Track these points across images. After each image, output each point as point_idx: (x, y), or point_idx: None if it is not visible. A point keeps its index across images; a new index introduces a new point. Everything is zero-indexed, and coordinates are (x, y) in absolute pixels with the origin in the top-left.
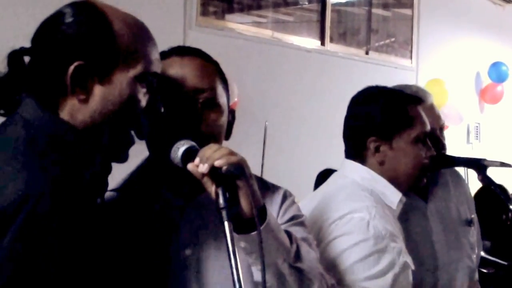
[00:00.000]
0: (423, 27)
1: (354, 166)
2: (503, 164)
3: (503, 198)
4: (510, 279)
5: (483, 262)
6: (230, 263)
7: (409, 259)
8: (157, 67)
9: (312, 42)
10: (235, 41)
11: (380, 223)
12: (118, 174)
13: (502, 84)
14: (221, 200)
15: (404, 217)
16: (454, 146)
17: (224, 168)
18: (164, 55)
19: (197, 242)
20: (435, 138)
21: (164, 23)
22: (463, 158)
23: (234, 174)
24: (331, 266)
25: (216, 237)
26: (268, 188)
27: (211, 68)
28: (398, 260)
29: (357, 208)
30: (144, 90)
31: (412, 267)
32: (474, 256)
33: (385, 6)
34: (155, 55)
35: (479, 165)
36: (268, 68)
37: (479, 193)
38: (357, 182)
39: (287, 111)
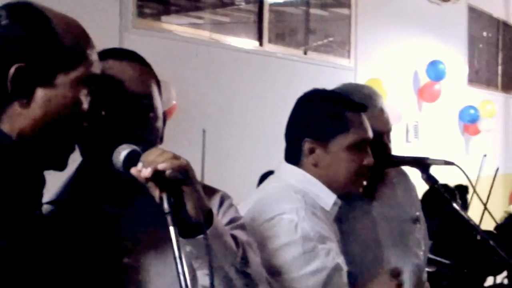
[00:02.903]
0: (361, 27)
1: (289, 169)
2: (446, 163)
3: (447, 197)
4: (453, 277)
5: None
6: (177, 269)
7: (340, 260)
8: (97, 68)
9: (250, 43)
10: (172, 43)
11: (308, 225)
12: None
13: (440, 82)
14: (165, 205)
15: (350, 217)
16: (394, 145)
17: (168, 172)
18: (100, 57)
19: (136, 249)
20: (382, 144)
21: (99, 25)
22: (407, 157)
23: (179, 178)
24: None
25: (155, 243)
26: (205, 191)
27: (148, 73)
28: (328, 262)
29: (286, 210)
30: (86, 92)
31: (345, 268)
32: (421, 253)
33: (323, 6)
34: (94, 56)
35: (423, 164)
36: (207, 70)
37: (426, 193)
38: (291, 184)
39: (227, 113)
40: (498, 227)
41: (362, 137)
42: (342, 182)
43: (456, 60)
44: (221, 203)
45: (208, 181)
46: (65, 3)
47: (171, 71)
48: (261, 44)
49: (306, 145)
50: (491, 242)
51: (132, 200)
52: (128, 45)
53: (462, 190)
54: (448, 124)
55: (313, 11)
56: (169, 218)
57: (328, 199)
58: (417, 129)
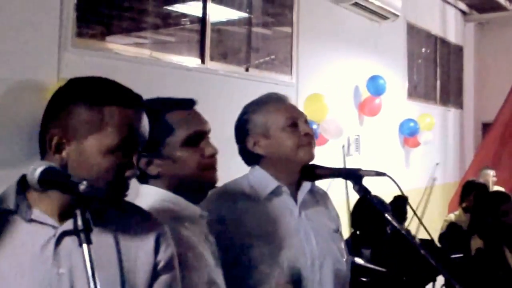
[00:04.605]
0: (303, 44)
1: (147, 191)
2: (378, 173)
3: (380, 208)
4: (386, 285)
5: (362, 271)
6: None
7: (216, 275)
8: None
9: (192, 61)
10: (112, 61)
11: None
12: None
13: (380, 97)
14: (79, 222)
15: (278, 216)
16: (335, 159)
17: (82, 187)
18: (104, 101)
19: (70, 260)
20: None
21: (38, 44)
22: (338, 169)
23: (93, 195)
24: None
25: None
26: (138, 219)
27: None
28: (204, 277)
29: None
30: None
31: (222, 285)
32: (344, 260)
33: (265, 25)
34: None
35: (355, 176)
36: (148, 88)
37: (358, 203)
38: (153, 208)
39: None
40: (441, 236)
41: (194, 130)
42: (192, 178)
43: (396, 75)
44: (157, 243)
45: None
46: (4, 21)
47: None
48: (203, 62)
49: (142, 160)
50: (422, 252)
51: (71, 212)
52: (66, 64)
53: (402, 201)
54: (388, 137)
55: (255, 29)
56: (82, 236)
57: (191, 209)
58: (358, 142)
